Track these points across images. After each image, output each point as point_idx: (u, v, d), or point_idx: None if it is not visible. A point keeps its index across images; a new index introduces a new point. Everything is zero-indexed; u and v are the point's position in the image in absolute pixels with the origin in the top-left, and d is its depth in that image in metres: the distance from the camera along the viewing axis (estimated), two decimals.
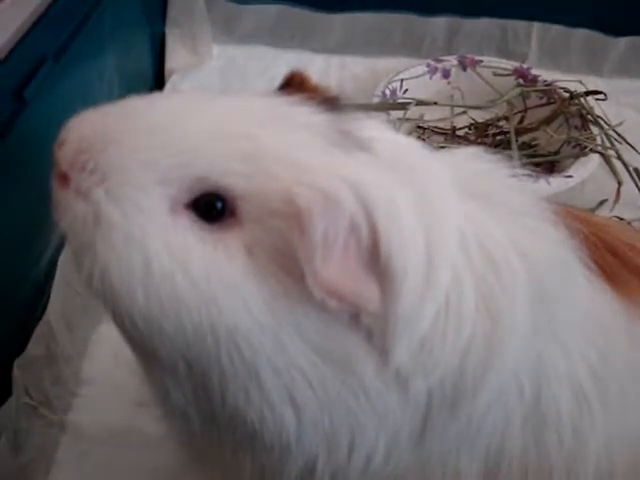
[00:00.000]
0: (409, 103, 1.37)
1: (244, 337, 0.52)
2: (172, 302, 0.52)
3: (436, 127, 1.42)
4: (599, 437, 0.61)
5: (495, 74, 1.48)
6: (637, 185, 1.26)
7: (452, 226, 0.54)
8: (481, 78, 1.48)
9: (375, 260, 0.50)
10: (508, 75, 1.48)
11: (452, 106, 1.44)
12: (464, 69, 1.52)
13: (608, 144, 1.31)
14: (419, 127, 1.41)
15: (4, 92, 0.92)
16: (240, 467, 0.61)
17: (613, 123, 1.34)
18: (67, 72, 1.07)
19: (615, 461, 0.62)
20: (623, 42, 1.59)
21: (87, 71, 1.17)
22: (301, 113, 0.56)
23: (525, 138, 1.38)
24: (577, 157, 1.28)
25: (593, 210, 1.26)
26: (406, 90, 1.44)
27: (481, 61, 1.51)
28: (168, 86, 1.54)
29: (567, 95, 1.39)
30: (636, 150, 1.31)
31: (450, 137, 1.40)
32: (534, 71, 1.48)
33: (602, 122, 1.34)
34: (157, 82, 1.58)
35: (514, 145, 1.30)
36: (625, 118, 1.38)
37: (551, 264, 0.58)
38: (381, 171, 0.53)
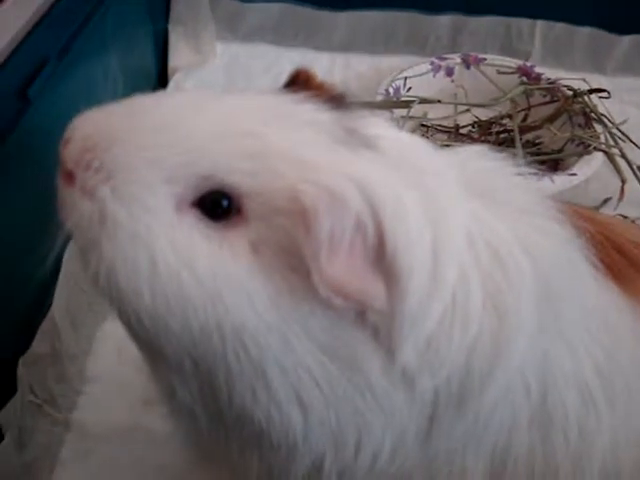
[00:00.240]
0: (413, 101, 1.36)
1: (251, 335, 0.52)
2: (178, 300, 0.51)
3: (439, 125, 1.42)
4: (605, 435, 0.61)
5: (499, 72, 1.48)
6: None
7: (458, 224, 0.54)
8: (485, 76, 1.48)
9: (381, 258, 0.50)
10: (512, 73, 1.48)
11: (456, 104, 1.44)
12: (468, 67, 1.52)
13: (612, 142, 1.31)
14: (422, 125, 1.40)
15: (8, 91, 0.92)
16: (247, 466, 0.61)
17: (617, 121, 1.34)
18: (71, 71, 1.07)
19: (621, 459, 0.62)
20: (627, 40, 1.58)
21: (91, 70, 1.17)
22: (306, 111, 0.56)
23: (529, 136, 1.38)
24: (581, 155, 1.27)
25: (597, 208, 1.26)
26: (410, 88, 1.44)
27: (485, 59, 1.51)
28: (171, 84, 1.53)
29: (571, 93, 1.38)
30: None
31: (453, 135, 1.40)
32: (538, 69, 1.48)
33: (606, 120, 1.33)
34: (160, 80, 1.57)
35: (518, 143, 1.29)
36: (629, 116, 1.37)
37: (557, 262, 0.57)
38: (387, 169, 0.53)
